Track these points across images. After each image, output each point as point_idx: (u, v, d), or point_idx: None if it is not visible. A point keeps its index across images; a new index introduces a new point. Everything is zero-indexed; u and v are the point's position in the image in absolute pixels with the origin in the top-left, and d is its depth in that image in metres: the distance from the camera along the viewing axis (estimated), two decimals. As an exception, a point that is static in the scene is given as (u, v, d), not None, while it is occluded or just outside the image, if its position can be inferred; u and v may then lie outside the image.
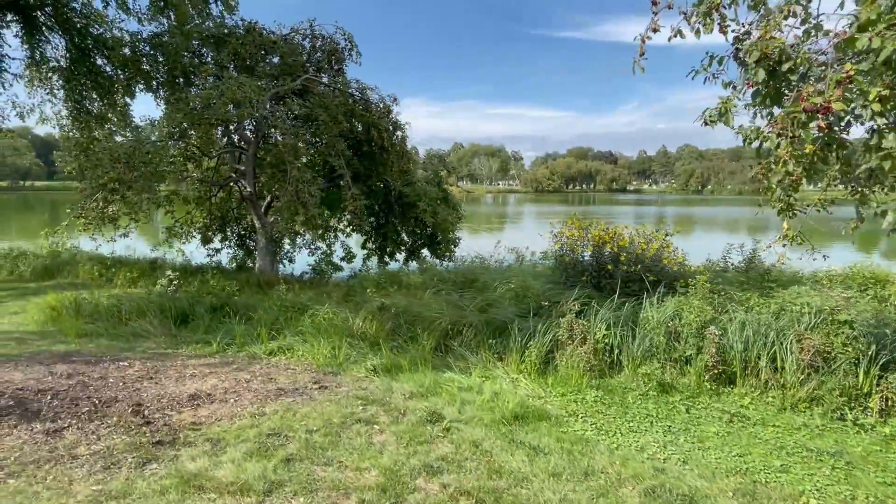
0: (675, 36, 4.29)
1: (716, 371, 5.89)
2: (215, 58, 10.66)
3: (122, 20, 13.39)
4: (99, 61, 13.41)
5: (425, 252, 15.03)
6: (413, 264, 14.72)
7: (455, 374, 5.92)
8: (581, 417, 5.17)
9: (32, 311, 8.75)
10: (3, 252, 13.50)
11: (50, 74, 13.18)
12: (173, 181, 10.76)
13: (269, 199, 11.42)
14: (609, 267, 8.01)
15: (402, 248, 15.13)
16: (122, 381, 5.32)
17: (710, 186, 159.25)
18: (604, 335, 6.34)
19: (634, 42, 4.33)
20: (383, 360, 6.03)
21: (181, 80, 11.01)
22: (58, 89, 13.74)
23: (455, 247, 13.43)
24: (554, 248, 9.06)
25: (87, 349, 6.64)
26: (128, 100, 13.57)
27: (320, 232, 12.38)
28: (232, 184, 12.39)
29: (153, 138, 10.10)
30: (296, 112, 9.99)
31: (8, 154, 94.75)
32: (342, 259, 15.24)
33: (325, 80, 11.49)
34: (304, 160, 9.80)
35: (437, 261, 14.53)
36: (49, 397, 4.72)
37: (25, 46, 12.64)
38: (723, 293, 6.96)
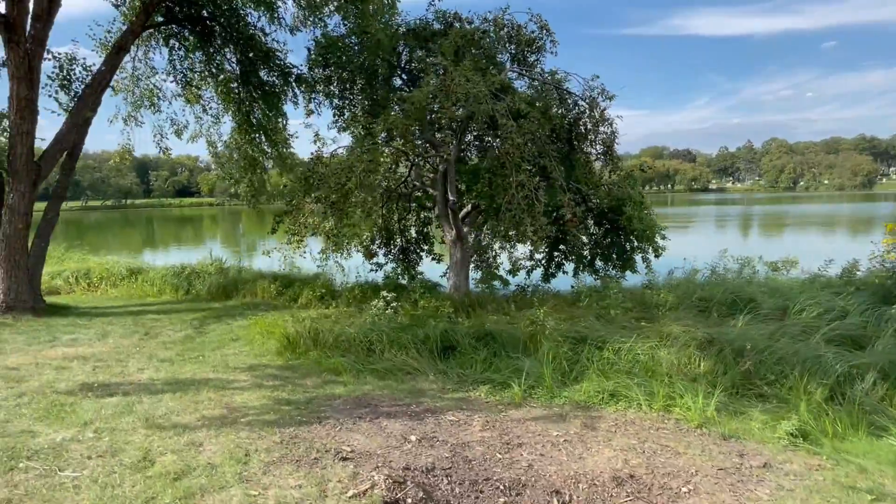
0: None
1: None
2: (417, 55, 9.68)
3: (274, 30, 12.84)
4: (265, 76, 12.96)
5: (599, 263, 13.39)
6: (583, 277, 13.09)
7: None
8: None
9: (257, 339, 7.96)
10: (176, 270, 13.25)
11: (220, 88, 12.82)
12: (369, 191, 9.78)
13: (468, 208, 10.26)
14: None
15: (582, 258, 13.52)
16: (489, 448, 4.07)
17: (802, 182, 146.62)
18: None
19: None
20: (795, 423, 4.43)
21: (380, 80, 10.10)
22: (226, 103, 13.43)
23: (658, 256, 11.67)
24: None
25: (370, 392, 5.54)
26: (293, 108, 13.01)
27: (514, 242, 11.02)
28: (419, 193, 11.39)
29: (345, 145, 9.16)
30: (514, 108, 8.72)
31: (112, 175, 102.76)
32: (508, 272, 13.91)
33: (525, 72, 10.24)
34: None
35: (618, 273, 12.82)
36: (443, 479, 3.51)
37: (200, 60, 12.32)
38: None
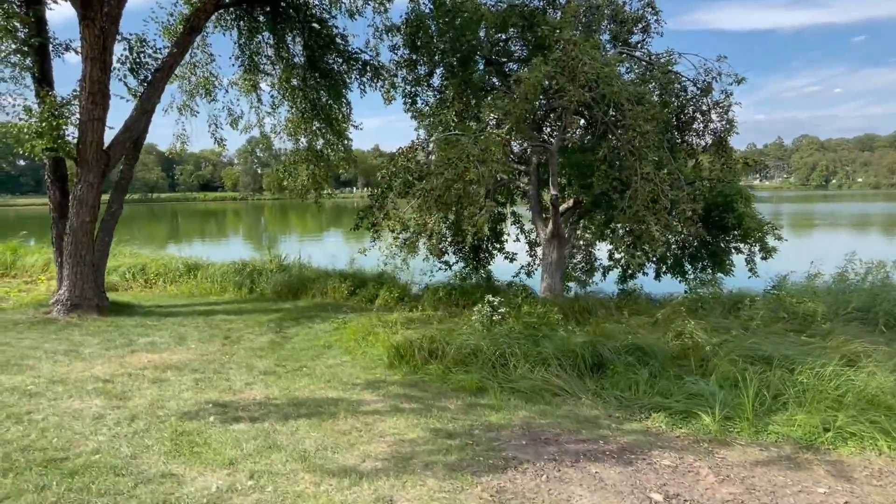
0: None
1: None
2: (519, 35, 8.75)
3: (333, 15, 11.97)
4: (330, 61, 12.16)
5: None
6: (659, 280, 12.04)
7: None
8: None
9: (354, 347, 7.16)
10: (237, 267, 12.55)
11: (285, 74, 12.05)
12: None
13: (570, 203, 9.32)
14: None
15: (665, 259, 12.47)
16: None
17: (835, 180, 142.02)
18: None
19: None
20: None
21: (477, 61, 9.18)
22: (287, 90, 12.66)
23: (766, 258, 10.56)
24: None
25: (531, 420, 4.66)
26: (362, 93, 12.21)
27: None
28: (512, 186, 10.49)
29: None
30: (640, 92, 7.76)
31: (139, 169, 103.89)
32: (584, 272, 12.94)
33: (636, 54, 9.27)
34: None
35: (710, 276, 11.75)
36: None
37: (270, 43, 11.55)
38: None
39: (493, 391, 5.38)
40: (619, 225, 8.01)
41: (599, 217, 9.33)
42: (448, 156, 6.78)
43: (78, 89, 8.59)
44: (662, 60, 9.47)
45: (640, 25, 9.59)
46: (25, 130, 8.37)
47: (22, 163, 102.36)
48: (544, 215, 9.97)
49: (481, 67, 9.19)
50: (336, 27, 11.77)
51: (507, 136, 7.55)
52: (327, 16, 11.84)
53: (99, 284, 9.89)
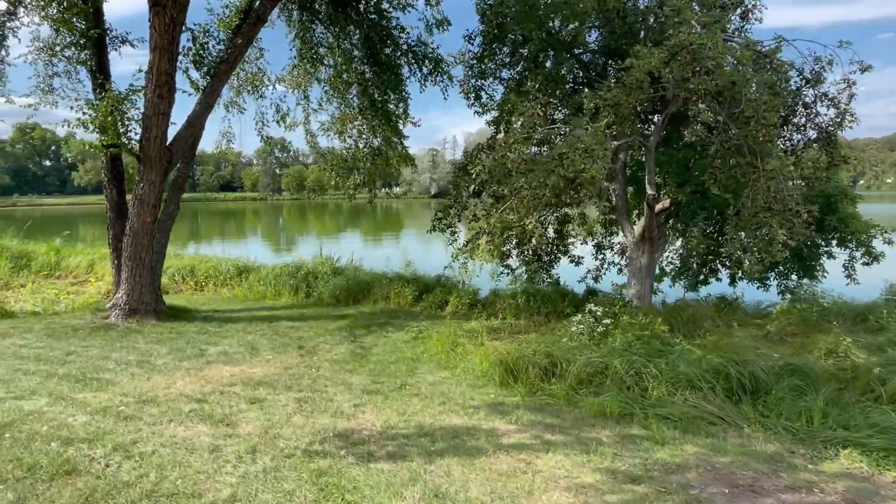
0: None
1: None
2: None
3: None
4: (391, 53, 11.57)
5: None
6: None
7: None
8: None
9: (448, 360, 6.54)
10: (290, 270, 12.01)
11: (343, 67, 11.47)
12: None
13: (665, 204, 8.57)
14: None
15: (740, 263, 11.59)
16: None
17: (863, 181, 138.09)
18: None
19: None
20: None
21: (567, 50, 8.46)
22: (338, 85, 12.09)
23: (871, 263, 9.65)
24: None
25: (706, 458, 3.96)
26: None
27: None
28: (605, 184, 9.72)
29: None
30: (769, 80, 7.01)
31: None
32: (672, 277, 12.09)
33: (735, 42, 8.50)
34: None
35: (798, 282, 10.87)
36: None
37: (333, 34, 10.98)
38: None
39: (639, 418, 4.70)
40: (728, 228, 7.23)
41: (702, 218, 8.55)
42: (560, 151, 6.10)
43: (133, 83, 8.11)
44: (770, 47, 8.63)
45: (739, 11, 8.80)
46: (89, 125, 7.91)
47: (48, 163, 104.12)
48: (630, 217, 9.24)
49: (568, 57, 8.46)
50: (397, 17, 11.20)
51: (612, 130, 6.84)
52: (386, 4, 11.27)
53: (156, 288, 9.41)
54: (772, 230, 6.77)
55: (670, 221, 9.45)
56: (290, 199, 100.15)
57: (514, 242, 11.99)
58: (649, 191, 8.15)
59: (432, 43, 11.53)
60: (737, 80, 6.32)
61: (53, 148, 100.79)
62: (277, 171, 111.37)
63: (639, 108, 7.71)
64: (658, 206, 8.46)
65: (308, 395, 5.21)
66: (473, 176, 7.62)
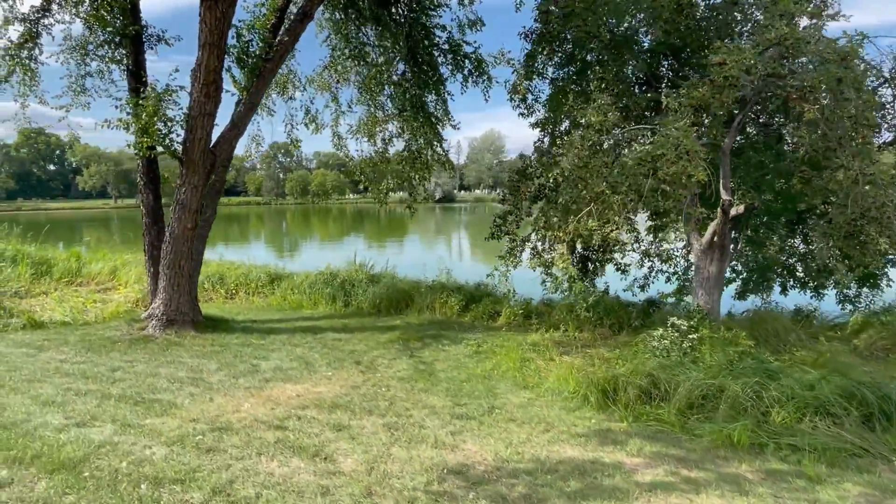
0: None
1: None
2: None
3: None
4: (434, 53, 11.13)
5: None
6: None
7: None
8: None
9: (526, 378, 6.05)
10: (325, 278, 11.53)
11: (383, 68, 11.03)
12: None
13: (740, 210, 8.12)
14: None
15: (793, 271, 11.11)
16: None
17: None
18: None
19: None
20: None
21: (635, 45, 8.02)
22: (374, 87, 11.65)
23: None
24: None
25: (878, 502, 3.49)
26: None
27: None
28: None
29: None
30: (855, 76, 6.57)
31: (166, 174, 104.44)
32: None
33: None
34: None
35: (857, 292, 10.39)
36: None
37: (375, 32, 10.57)
38: None
39: (772, 449, 4.22)
40: (816, 235, 6.78)
41: (782, 224, 8.09)
42: (653, 153, 5.64)
43: (170, 83, 7.65)
44: (852, 44, 8.15)
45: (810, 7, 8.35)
46: (131, 125, 7.47)
47: (52, 167, 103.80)
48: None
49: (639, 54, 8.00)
50: (440, 15, 10.78)
51: (698, 131, 6.39)
52: (428, 2, 10.84)
53: (193, 297, 8.95)
54: (869, 238, 6.32)
55: (738, 228, 8.98)
56: (293, 203, 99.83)
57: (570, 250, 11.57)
58: (724, 195, 7.67)
59: (474, 42, 11.13)
60: (843, 78, 5.87)
61: (58, 152, 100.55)
62: (281, 175, 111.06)
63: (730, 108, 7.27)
64: (732, 212, 7.98)
65: (394, 421, 4.73)
66: (545, 180, 7.15)
